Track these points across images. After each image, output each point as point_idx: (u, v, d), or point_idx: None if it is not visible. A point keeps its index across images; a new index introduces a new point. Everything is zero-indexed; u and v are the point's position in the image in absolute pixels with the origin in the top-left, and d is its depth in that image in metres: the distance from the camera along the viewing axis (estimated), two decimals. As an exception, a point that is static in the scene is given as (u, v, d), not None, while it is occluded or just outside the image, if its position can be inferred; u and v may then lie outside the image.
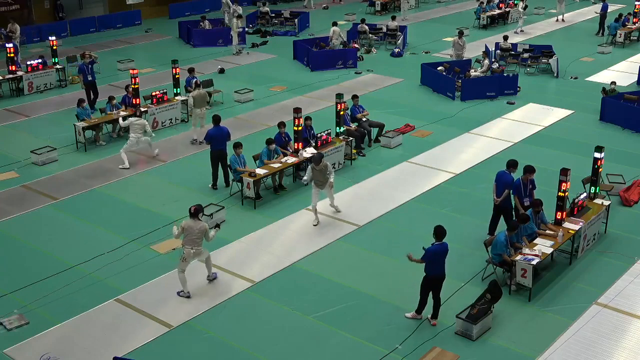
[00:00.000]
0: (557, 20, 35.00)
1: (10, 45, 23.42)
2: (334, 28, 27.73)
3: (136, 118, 17.57)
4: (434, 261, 10.84)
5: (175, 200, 15.45)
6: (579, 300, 11.84)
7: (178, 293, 12.00)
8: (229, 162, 15.55)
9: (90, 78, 21.20)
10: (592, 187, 14.02)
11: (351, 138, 17.49)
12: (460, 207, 15.11)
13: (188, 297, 11.88)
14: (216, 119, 16.19)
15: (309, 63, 26.37)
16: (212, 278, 12.39)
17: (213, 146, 15.97)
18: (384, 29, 30.33)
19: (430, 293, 11.10)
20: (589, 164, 14.15)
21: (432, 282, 10.99)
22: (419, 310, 11.27)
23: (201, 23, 30.86)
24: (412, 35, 30.76)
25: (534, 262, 11.64)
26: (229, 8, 31.07)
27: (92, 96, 21.23)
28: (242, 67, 26.73)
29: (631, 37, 30.26)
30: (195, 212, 11.73)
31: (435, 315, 11.21)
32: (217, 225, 12.17)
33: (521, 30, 31.94)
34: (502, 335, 10.94)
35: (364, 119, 18.71)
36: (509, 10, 34.50)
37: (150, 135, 17.75)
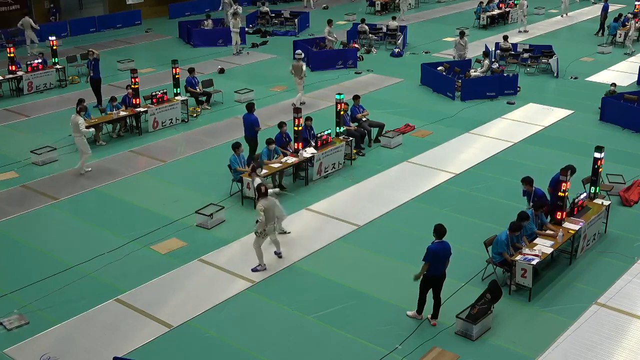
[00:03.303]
0: (563, 16, 35.59)
1: (11, 45, 23.40)
2: (327, 28, 27.77)
3: (74, 114, 16.83)
4: (435, 260, 10.83)
5: (175, 200, 15.45)
6: (579, 300, 11.84)
7: (253, 270, 12.62)
8: (229, 162, 15.53)
9: (92, 74, 21.31)
10: (592, 187, 14.02)
11: (351, 138, 17.49)
12: (460, 207, 15.11)
13: (264, 269, 12.61)
14: (248, 107, 17.12)
15: (309, 63, 26.34)
16: (280, 255, 13.17)
17: (244, 131, 17.07)
18: (384, 29, 30.34)
19: (431, 292, 11.11)
20: (589, 164, 14.15)
21: (432, 282, 10.99)
22: (419, 310, 11.28)
23: (205, 22, 30.94)
24: (412, 35, 30.76)
25: (534, 262, 11.64)
26: (230, 7, 31.08)
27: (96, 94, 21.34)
28: (242, 67, 26.73)
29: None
30: (266, 191, 12.58)
31: (435, 315, 11.21)
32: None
33: (525, 30, 31.99)
34: (502, 335, 10.93)
35: (364, 119, 18.71)
36: (509, 10, 34.52)
37: (87, 135, 17.05)
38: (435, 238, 10.88)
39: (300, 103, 21.37)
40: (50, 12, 32.84)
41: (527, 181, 13.48)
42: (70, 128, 17.10)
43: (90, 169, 17.00)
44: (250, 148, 16.89)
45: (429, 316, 11.25)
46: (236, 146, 15.41)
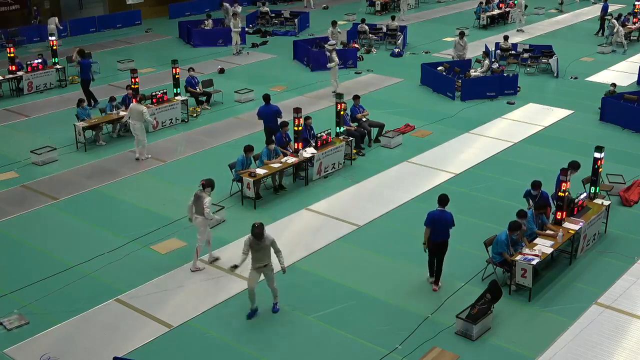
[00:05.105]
0: (561, 10, 36.99)
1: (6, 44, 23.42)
2: (330, 29, 27.71)
3: (136, 103, 17.68)
4: (434, 226, 11.69)
5: (175, 201, 15.44)
6: (579, 300, 11.84)
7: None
8: (234, 161, 15.51)
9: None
10: (592, 187, 14.02)
11: (351, 138, 17.49)
12: (460, 207, 15.05)
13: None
14: (265, 98, 17.58)
15: (309, 63, 26.37)
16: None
17: (264, 122, 17.44)
18: (384, 29, 30.34)
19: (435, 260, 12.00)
20: (589, 164, 14.15)
21: (431, 246, 11.81)
22: (430, 273, 12.17)
23: (205, 21, 30.99)
24: (412, 35, 30.76)
25: (534, 262, 11.64)
26: (229, 12, 31.04)
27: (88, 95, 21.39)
28: (242, 67, 26.74)
29: (631, 37, 30.26)
30: (262, 230, 10.85)
31: (436, 281, 12.05)
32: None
33: (521, 30, 32.01)
34: (502, 335, 10.93)
35: (364, 119, 18.71)
36: (509, 10, 34.53)
37: (151, 123, 18.31)
38: (438, 206, 11.78)
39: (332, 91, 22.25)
40: (33, 14, 32.38)
41: (538, 185, 13.36)
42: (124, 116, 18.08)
43: (149, 156, 17.72)
44: (271, 137, 16.62)
45: (434, 285, 12.04)
46: (248, 149, 15.29)
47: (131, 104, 17.88)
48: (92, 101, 21.34)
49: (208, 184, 12.52)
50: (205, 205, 12.29)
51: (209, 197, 12.42)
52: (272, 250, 11.04)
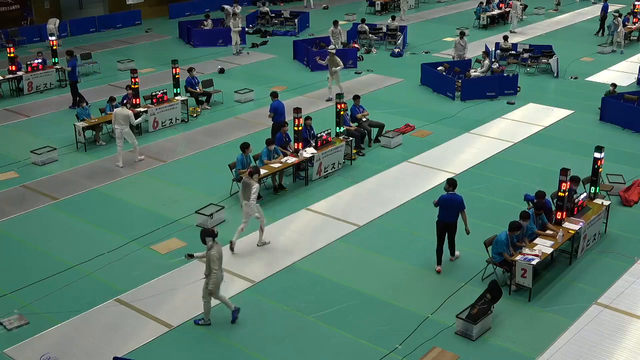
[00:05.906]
0: (556, 9, 37.29)
1: (11, 45, 23.42)
2: (331, 29, 27.66)
3: (121, 108, 17.40)
4: (444, 208, 12.44)
5: (175, 200, 15.45)
6: (579, 300, 11.84)
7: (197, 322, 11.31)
8: (234, 161, 15.51)
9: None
10: (592, 187, 14.02)
11: (351, 138, 17.49)
12: (460, 207, 15.09)
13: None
14: (274, 94, 17.97)
15: (309, 63, 26.37)
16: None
17: (276, 118, 17.52)
18: (384, 29, 30.35)
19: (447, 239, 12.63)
20: (589, 164, 14.15)
21: (444, 227, 12.48)
22: (438, 261, 12.63)
23: (205, 21, 30.99)
24: (412, 35, 30.77)
25: (534, 262, 11.64)
26: (230, 14, 31.02)
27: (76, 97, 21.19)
28: (242, 67, 26.74)
29: (631, 37, 30.26)
30: (202, 235, 10.85)
31: (452, 253, 12.83)
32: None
33: (514, 31, 31.93)
34: (502, 335, 10.94)
35: (364, 119, 18.72)
36: (509, 10, 34.51)
37: (139, 123, 18.20)
38: (448, 187, 12.45)
39: (328, 99, 21.91)
40: (23, 16, 32.16)
41: (542, 195, 13.28)
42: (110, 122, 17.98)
43: (143, 157, 17.71)
44: (276, 134, 16.98)
45: (442, 264, 12.68)
46: (245, 146, 15.30)
47: (115, 109, 17.60)
48: (77, 102, 21.15)
49: (255, 171, 13.21)
50: (252, 192, 12.92)
51: (257, 185, 13.07)
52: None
